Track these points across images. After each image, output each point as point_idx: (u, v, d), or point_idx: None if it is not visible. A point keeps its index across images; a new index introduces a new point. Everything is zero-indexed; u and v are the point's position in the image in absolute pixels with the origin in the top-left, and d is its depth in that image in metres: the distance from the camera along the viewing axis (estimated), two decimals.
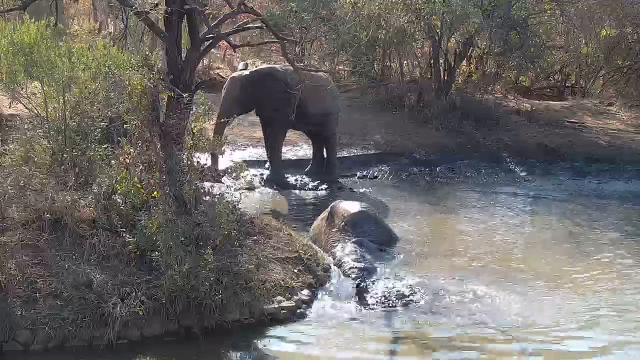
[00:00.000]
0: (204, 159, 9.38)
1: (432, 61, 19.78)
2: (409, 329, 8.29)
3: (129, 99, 8.83)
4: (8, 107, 11.81)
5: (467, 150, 17.09)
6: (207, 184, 9.28)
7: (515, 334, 8.22)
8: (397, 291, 9.11)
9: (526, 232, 12.11)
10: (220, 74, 20.03)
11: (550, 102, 21.14)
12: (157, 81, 8.75)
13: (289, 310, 8.43)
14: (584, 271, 10.23)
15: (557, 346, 8.05)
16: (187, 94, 8.85)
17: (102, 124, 9.39)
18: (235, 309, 8.08)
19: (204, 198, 9.02)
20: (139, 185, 8.75)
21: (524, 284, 9.61)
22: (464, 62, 20.12)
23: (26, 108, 9.73)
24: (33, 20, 9.40)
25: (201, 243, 8.32)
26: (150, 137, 8.87)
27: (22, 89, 9.68)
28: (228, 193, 9.33)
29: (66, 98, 9.15)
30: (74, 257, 8.07)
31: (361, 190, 14.17)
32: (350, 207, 10.88)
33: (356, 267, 9.63)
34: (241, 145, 15.82)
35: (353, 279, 9.44)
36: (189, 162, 9.01)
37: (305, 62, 16.74)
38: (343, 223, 10.54)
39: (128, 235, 8.30)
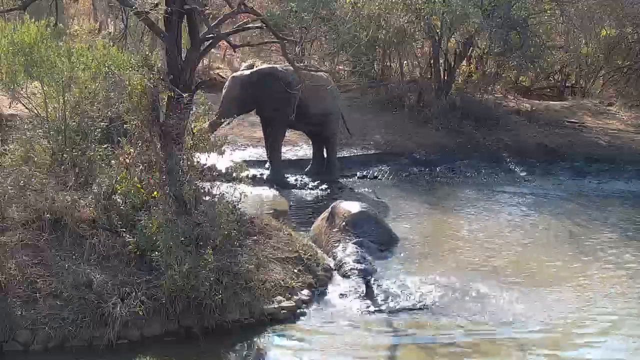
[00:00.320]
0: (204, 159, 9.36)
1: (432, 61, 19.78)
2: (409, 329, 8.29)
3: (129, 99, 8.83)
4: (8, 107, 11.81)
5: (467, 150, 17.08)
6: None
7: (515, 333, 8.23)
8: (397, 291, 9.12)
9: (526, 232, 12.10)
10: (220, 74, 20.02)
11: (550, 102, 21.13)
12: (157, 81, 8.76)
13: (289, 310, 8.43)
14: (584, 271, 10.23)
15: (557, 346, 8.05)
16: (187, 94, 8.85)
17: (102, 124, 9.39)
18: (235, 309, 8.08)
19: (204, 198, 9.02)
20: (139, 185, 8.75)
21: (524, 284, 9.61)
22: (464, 62, 20.12)
23: (26, 108, 9.74)
24: (33, 20, 9.39)
25: (201, 243, 8.32)
26: (150, 137, 8.87)
27: (22, 89, 9.68)
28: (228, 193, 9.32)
29: (66, 98, 9.15)
30: (74, 257, 8.07)
31: (361, 191, 14.17)
32: (351, 207, 10.89)
33: (356, 268, 9.63)
34: (241, 145, 15.82)
35: (353, 279, 9.44)
36: (189, 162, 9.01)
37: (305, 62, 16.73)
38: (344, 223, 10.55)
39: (128, 235, 8.30)
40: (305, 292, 8.87)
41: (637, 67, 21.50)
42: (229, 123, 13.35)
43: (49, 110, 9.25)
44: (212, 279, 7.93)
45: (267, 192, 13.52)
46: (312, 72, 13.58)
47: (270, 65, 14.54)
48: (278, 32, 10.65)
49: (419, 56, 20.77)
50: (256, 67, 14.33)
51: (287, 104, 12.92)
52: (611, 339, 8.28)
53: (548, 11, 20.76)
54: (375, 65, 20.35)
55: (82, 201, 8.55)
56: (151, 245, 8.08)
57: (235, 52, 17.72)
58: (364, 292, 9.10)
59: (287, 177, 14.35)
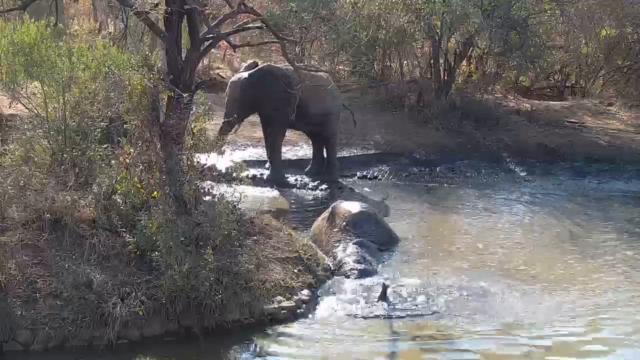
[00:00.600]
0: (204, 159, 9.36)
1: (432, 61, 19.78)
2: (409, 329, 8.28)
3: (129, 99, 8.83)
4: (8, 107, 11.80)
5: (467, 150, 17.09)
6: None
7: (516, 333, 8.22)
8: (398, 291, 9.12)
9: (526, 231, 12.10)
10: (220, 74, 20.03)
11: (550, 102, 21.13)
12: (157, 81, 8.76)
13: (289, 310, 8.43)
14: (584, 271, 10.23)
15: (557, 346, 8.05)
16: (187, 94, 8.85)
17: (102, 124, 9.39)
18: (235, 309, 8.08)
19: (204, 198, 9.02)
20: (139, 185, 8.75)
21: (524, 284, 9.61)
22: (464, 62, 20.12)
23: (26, 108, 9.73)
24: (33, 20, 9.39)
25: (201, 243, 8.32)
26: (150, 137, 8.87)
27: (22, 89, 9.68)
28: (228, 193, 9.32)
29: (66, 98, 9.15)
30: (74, 257, 8.07)
31: (361, 191, 14.17)
32: (351, 207, 10.89)
33: (357, 268, 9.64)
34: (241, 145, 15.82)
35: (353, 279, 9.44)
36: (189, 162, 9.01)
37: (305, 62, 16.74)
38: (344, 223, 10.55)
39: (128, 235, 8.30)
40: (305, 292, 8.87)
41: (637, 67, 21.50)
42: (237, 129, 13.36)
43: (49, 110, 9.25)
44: (212, 279, 7.93)
45: (267, 192, 13.51)
46: (312, 72, 13.57)
47: (270, 65, 14.53)
48: (278, 32, 10.65)
49: (419, 56, 20.78)
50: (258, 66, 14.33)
51: (287, 103, 12.91)
52: (611, 338, 8.28)
53: (548, 11, 20.77)
54: (375, 65, 20.36)
55: (82, 201, 8.55)
56: (151, 245, 8.07)
57: (235, 52, 17.73)
58: (364, 292, 9.10)
59: (287, 177, 14.35)
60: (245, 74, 13.87)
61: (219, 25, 10.11)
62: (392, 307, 8.77)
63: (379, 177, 15.36)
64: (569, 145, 17.84)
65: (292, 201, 13.32)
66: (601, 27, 22.00)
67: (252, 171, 13.60)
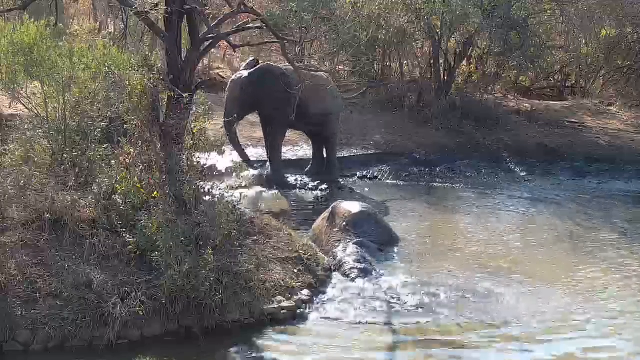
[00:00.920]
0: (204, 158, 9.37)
1: (432, 61, 19.79)
2: (410, 329, 8.28)
3: (129, 99, 8.83)
4: (8, 107, 11.80)
5: (467, 150, 17.09)
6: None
7: (516, 333, 8.22)
8: (398, 291, 9.12)
9: (526, 231, 12.10)
10: (220, 74, 20.03)
11: (550, 102, 21.14)
12: (157, 81, 8.75)
13: (289, 310, 8.42)
14: (584, 271, 10.23)
15: (557, 345, 8.05)
16: (187, 94, 8.85)
17: (102, 124, 9.39)
18: (235, 309, 8.08)
19: (204, 198, 9.02)
20: (139, 185, 8.75)
21: (524, 284, 9.61)
22: (464, 62, 20.13)
23: (26, 108, 9.73)
24: (33, 20, 9.39)
25: (201, 243, 8.32)
26: (150, 137, 8.87)
27: (22, 89, 9.67)
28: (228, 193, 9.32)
29: (66, 98, 9.15)
30: (74, 257, 8.07)
31: (361, 191, 14.17)
32: (351, 207, 10.89)
33: (357, 268, 9.64)
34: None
35: (353, 279, 9.44)
36: (189, 162, 9.01)
37: (305, 62, 16.73)
38: (344, 223, 10.55)
39: (128, 235, 8.30)
40: (305, 292, 8.87)
41: (637, 67, 21.50)
42: (237, 121, 13.36)
43: (49, 110, 9.25)
44: (212, 279, 7.93)
45: (267, 192, 13.51)
46: (312, 72, 13.57)
47: (270, 64, 14.54)
48: (278, 32, 10.65)
49: (419, 56, 20.78)
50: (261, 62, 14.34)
51: (287, 103, 12.92)
52: (612, 338, 8.28)
53: (548, 11, 20.77)
54: (375, 65, 20.35)
55: (82, 201, 8.55)
56: (151, 245, 8.07)
57: (235, 52, 17.72)
58: (364, 292, 9.10)
59: (287, 177, 14.35)
60: (246, 73, 13.87)
61: (219, 25, 10.10)
62: (392, 306, 8.77)
63: (379, 177, 15.36)
64: (569, 145, 17.85)
65: (292, 201, 13.32)
66: (601, 27, 22.00)
67: (252, 171, 13.61)
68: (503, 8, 18.16)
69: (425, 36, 19.26)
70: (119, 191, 8.70)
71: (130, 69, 8.94)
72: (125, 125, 9.10)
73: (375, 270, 9.75)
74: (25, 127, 9.25)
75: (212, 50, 13.29)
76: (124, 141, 8.96)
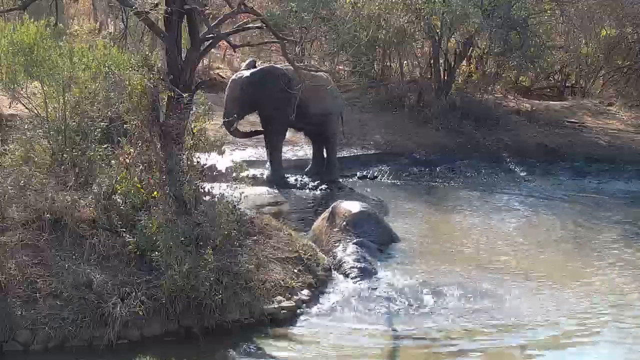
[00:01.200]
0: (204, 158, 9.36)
1: (432, 61, 19.77)
2: (410, 329, 8.28)
3: (129, 99, 8.83)
4: (8, 107, 11.80)
5: (467, 150, 17.08)
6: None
7: (517, 334, 8.22)
8: (398, 291, 9.13)
9: (526, 231, 12.10)
10: (220, 74, 20.02)
11: (550, 102, 21.12)
12: (157, 81, 8.75)
13: (289, 310, 8.43)
14: (584, 271, 10.23)
15: (557, 345, 8.05)
16: (187, 94, 8.85)
17: (102, 124, 9.38)
18: (235, 309, 8.08)
19: (204, 198, 9.02)
20: (139, 185, 8.75)
21: (524, 284, 9.61)
22: (464, 62, 20.11)
23: (26, 108, 9.72)
24: (33, 20, 9.39)
25: (201, 243, 8.32)
26: (150, 137, 8.87)
27: (22, 89, 9.67)
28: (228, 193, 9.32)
29: (66, 98, 9.14)
30: (74, 257, 8.07)
31: (361, 191, 14.16)
32: (351, 207, 10.89)
33: (357, 268, 9.64)
34: (241, 145, 15.79)
35: (353, 279, 9.45)
36: (189, 162, 9.01)
37: (305, 62, 16.73)
38: (344, 223, 10.55)
39: (128, 235, 8.30)
40: (305, 292, 8.87)
41: (637, 67, 21.48)
42: (235, 126, 13.35)
43: (49, 110, 9.24)
44: (212, 279, 7.93)
45: (267, 192, 13.50)
46: (312, 72, 13.56)
47: (270, 64, 14.53)
48: (278, 32, 10.64)
49: (419, 56, 20.76)
50: (258, 65, 14.32)
51: (287, 103, 12.91)
52: (611, 338, 8.28)
53: (548, 11, 20.74)
54: (375, 65, 20.34)
55: (82, 201, 8.55)
56: (151, 245, 8.07)
57: (235, 52, 17.71)
58: (364, 292, 9.10)
59: (287, 177, 14.34)
60: (246, 73, 13.87)
61: (219, 25, 10.10)
62: (392, 306, 8.77)
63: (379, 177, 15.36)
64: (569, 145, 17.83)
65: (292, 201, 13.32)
66: (601, 27, 21.99)
67: (252, 171, 13.58)
68: (503, 8, 18.14)
69: (425, 36, 19.25)
70: (119, 191, 8.70)
71: (130, 69, 8.94)
72: (125, 125, 9.10)
73: (375, 270, 9.76)
74: (25, 127, 9.24)
75: (212, 50, 13.29)
76: (124, 141, 8.96)
